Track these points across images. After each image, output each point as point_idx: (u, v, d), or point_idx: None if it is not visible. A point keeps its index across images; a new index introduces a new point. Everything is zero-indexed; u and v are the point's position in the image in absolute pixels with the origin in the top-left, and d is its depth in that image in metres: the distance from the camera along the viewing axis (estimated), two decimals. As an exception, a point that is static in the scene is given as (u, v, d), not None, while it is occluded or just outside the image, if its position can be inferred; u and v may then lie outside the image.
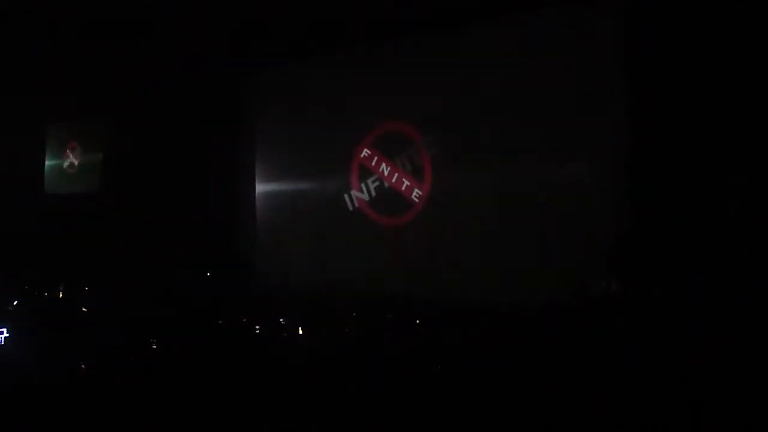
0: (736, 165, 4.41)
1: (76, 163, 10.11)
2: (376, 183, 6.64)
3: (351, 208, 6.81)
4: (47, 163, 10.50)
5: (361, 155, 6.74)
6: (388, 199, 6.53)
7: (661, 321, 3.87)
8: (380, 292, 6.07)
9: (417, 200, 6.29)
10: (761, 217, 4.26)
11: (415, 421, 2.85)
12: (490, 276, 5.59)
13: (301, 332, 4.56)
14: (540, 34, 5.48)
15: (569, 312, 4.00)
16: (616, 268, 4.28)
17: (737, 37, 4.41)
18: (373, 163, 6.67)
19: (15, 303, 5.31)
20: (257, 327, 4.46)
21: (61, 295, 6.19)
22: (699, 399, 2.74)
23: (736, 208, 4.34)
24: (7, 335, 4.21)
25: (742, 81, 4.44)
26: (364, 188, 6.72)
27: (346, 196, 6.85)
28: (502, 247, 5.59)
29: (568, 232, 5.11)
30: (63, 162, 10.32)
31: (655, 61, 4.79)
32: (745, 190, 4.33)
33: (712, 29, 4.49)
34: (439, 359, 3.44)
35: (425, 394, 3.06)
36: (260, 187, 7.73)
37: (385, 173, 6.57)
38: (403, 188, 6.41)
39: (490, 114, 5.76)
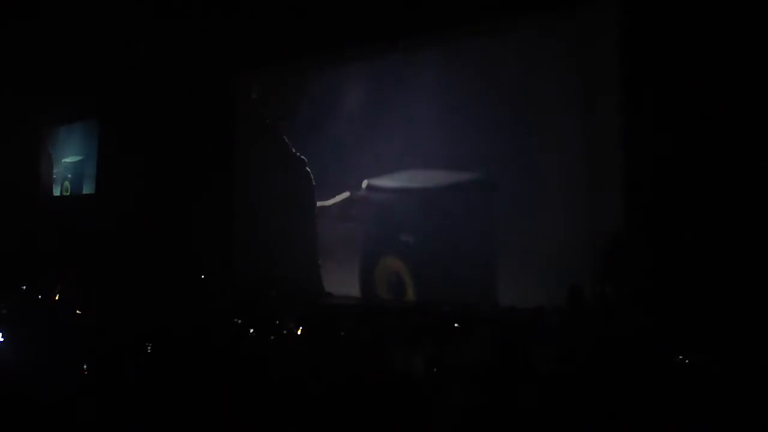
0: (734, 165, 4.40)
1: (71, 167, 10.07)
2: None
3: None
4: (42, 166, 10.45)
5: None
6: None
7: (657, 322, 3.87)
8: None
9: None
10: (760, 217, 4.25)
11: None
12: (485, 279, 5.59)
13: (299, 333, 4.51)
14: (536, 38, 5.48)
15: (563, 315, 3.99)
16: (611, 271, 4.26)
17: (733, 37, 4.41)
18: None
19: (9, 307, 5.24)
20: (251, 330, 4.42)
21: (57, 297, 6.14)
22: (698, 399, 2.73)
23: (734, 208, 4.32)
24: (1, 340, 4.13)
25: (739, 81, 4.44)
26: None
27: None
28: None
29: (563, 235, 5.10)
30: (58, 166, 10.28)
31: (650, 61, 4.78)
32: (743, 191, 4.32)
33: (707, 30, 4.49)
34: (433, 365, 3.41)
35: (423, 397, 3.04)
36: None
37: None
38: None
39: (486, 114, 5.75)
